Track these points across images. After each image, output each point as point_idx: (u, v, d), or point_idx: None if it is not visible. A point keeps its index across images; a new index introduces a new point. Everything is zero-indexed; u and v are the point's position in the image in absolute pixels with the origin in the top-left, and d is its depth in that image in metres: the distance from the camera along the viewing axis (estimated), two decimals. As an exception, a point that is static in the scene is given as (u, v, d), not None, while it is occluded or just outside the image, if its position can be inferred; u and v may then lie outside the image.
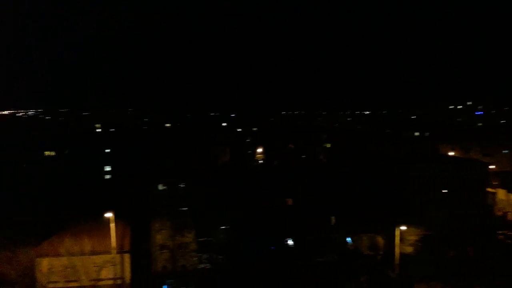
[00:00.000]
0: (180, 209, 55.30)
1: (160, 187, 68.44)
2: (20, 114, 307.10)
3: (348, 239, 55.51)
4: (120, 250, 46.78)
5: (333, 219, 59.32)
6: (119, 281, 46.70)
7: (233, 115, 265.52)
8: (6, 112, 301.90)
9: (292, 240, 55.75)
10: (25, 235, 47.24)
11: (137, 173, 78.05)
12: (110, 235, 45.31)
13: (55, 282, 45.21)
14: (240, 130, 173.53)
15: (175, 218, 52.09)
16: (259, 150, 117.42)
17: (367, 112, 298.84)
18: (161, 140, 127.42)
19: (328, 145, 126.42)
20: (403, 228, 48.22)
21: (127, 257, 47.18)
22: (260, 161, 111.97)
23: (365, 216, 55.94)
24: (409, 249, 51.44)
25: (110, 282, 46.39)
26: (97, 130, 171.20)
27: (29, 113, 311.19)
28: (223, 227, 56.43)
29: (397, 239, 47.57)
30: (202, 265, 51.16)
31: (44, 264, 45.37)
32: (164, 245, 50.88)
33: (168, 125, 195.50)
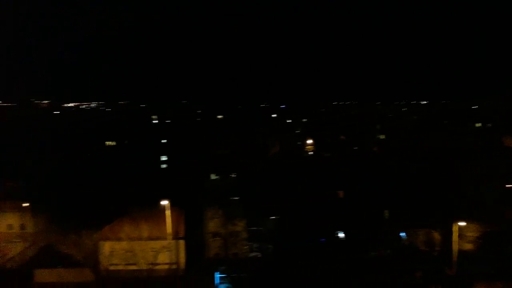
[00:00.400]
0: (232, 198, 56.48)
1: (213, 176, 70.31)
2: (84, 106, 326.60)
3: (403, 234, 53.92)
4: (175, 236, 48.93)
5: (386, 213, 57.85)
6: (174, 266, 48.90)
7: (283, 106, 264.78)
8: (71, 104, 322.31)
9: (343, 233, 55.13)
10: (89, 220, 50.63)
11: (191, 163, 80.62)
12: (166, 222, 47.51)
13: (116, 264, 48.25)
14: (290, 121, 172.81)
15: (227, 207, 53.35)
16: (309, 141, 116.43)
17: (424, 102, 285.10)
18: (213, 131, 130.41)
19: (382, 137, 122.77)
20: (462, 223, 45.96)
21: (182, 243, 49.24)
22: (310, 153, 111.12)
23: (421, 210, 53.96)
24: (468, 246, 48.98)
25: (166, 266, 48.70)
26: (154, 121, 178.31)
27: (92, 105, 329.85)
28: (273, 217, 56.98)
29: (455, 235, 45.48)
30: (253, 254, 52.10)
31: (106, 247, 48.54)
32: (217, 233, 52.39)
33: (220, 116, 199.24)
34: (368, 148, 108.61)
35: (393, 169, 72.24)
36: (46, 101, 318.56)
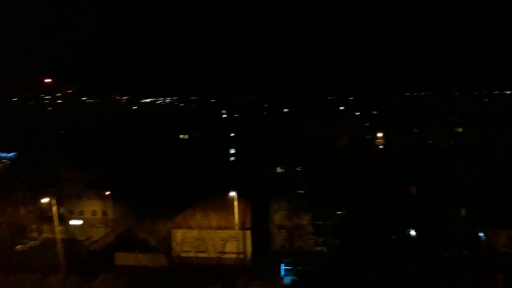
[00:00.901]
0: (297, 191, 56.52)
1: (278, 169, 70.73)
2: (159, 101, 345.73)
3: (481, 234, 50.22)
4: (242, 227, 50.27)
5: (463, 211, 54.27)
6: (241, 256, 50.31)
7: (351, 98, 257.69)
8: (148, 100, 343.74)
9: (415, 231, 52.71)
10: (163, 209, 53.66)
11: (258, 156, 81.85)
12: (233, 212, 48.97)
13: (187, 251, 50.79)
14: (359, 113, 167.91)
15: (292, 200, 53.52)
16: (379, 134, 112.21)
17: (508, 92, 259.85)
18: (279, 125, 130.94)
19: (460, 130, 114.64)
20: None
21: (248, 234, 50.47)
22: (380, 146, 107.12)
23: (503, 210, 49.76)
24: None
25: (234, 255, 50.26)
26: (223, 116, 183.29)
27: (166, 100, 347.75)
28: (340, 212, 56.09)
29: (543, 237, 41.39)
30: (319, 248, 51.81)
31: (179, 235, 51.26)
32: (282, 225, 52.88)
33: (286, 110, 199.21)
34: (443, 142, 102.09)
35: (471, 165, 67.24)
36: (126, 97, 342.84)
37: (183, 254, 50.67)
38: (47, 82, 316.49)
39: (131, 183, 64.17)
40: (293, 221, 52.33)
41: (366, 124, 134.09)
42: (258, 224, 52.49)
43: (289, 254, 50.02)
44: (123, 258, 51.35)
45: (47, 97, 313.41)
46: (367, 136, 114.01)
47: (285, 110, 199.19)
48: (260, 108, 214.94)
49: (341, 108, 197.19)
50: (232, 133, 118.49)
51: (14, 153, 77.43)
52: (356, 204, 56.54)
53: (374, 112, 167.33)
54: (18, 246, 56.95)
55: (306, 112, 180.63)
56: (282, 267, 46.79)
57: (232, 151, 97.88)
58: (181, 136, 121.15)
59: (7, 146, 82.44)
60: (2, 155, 76.44)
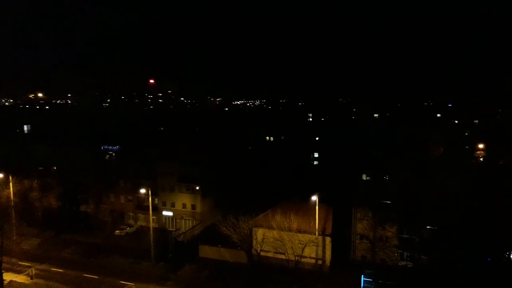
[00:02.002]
0: (383, 201, 54.09)
1: (364, 177, 68.28)
2: (249, 103, 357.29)
3: None
4: (322, 232, 49.71)
5: None
6: (319, 262, 49.76)
7: (450, 105, 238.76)
8: (238, 102, 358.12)
9: (516, 255, 47.15)
10: (247, 206, 55.20)
11: (343, 160, 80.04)
12: (314, 217, 48.64)
13: (267, 251, 51.66)
14: (457, 122, 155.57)
15: (377, 210, 51.41)
16: (480, 145, 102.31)
17: None
18: (367, 130, 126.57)
19: None
20: None
21: (328, 240, 49.77)
22: (480, 158, 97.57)
23: None
24: None
25: (312, 261, 49.90)
26: (309, 119, 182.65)
27: (256, 103, 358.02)
28: (429, 227, 52.38)
29: None
30: (403, 263, 49.10)
31: (259, 233, 52.40)
32: (364, 235, 51.13)
33: (376, 115, 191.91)
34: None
35: None
36: (219, 99, 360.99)
37: (263, 253, 51.63)
38: (151, 83, 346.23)
39: (219, 180, 67.09)
40: (376, 231, 50.31)
41: (465, 134, 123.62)
42: (339, 231, 51.44)
43: (370, 266, 48.17)
44: (206, 251, 54.12)
45: (150, 96, 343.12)
46: (466, 147, 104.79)
47: (376, 115, 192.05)
48: (349, 112, 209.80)
49: (438, 115, 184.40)
50: (317, 136, 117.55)
51: (118, 146, 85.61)
52: (450, 219, 52.26)
53: (475, 121, 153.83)
54: (117, 231, 63.17)
55: (398, 117, 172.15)
56: (362, 278, 45.26)
57: (316, 155, 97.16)
58: (267, 137, 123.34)
59: (113, 139, 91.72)
60: (107, 147, 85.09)
